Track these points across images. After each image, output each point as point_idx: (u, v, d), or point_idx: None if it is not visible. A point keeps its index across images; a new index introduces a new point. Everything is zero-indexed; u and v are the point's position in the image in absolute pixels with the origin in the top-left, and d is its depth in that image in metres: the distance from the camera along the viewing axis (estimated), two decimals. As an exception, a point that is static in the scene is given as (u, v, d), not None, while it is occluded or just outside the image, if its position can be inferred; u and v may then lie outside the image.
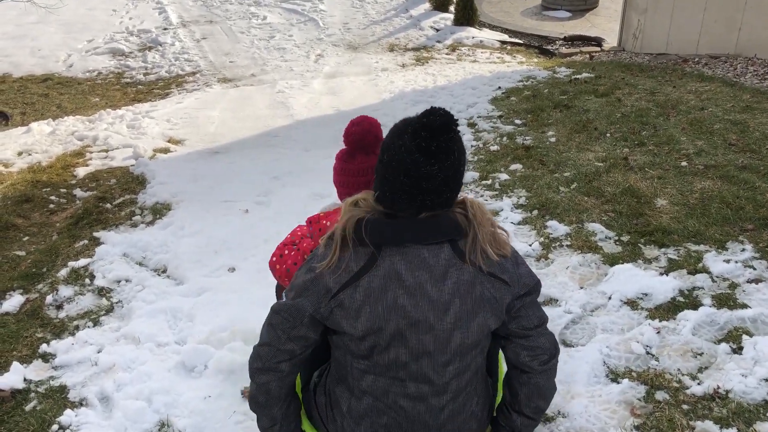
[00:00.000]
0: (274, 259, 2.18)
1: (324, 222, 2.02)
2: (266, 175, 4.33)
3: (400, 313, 1.61)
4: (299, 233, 2.21)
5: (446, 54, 10.19)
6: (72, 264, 3.44)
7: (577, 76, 6.77)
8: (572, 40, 10.84)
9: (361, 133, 2.10)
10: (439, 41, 10.85)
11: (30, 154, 5.18)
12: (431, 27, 11.50)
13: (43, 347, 2.85)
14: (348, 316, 1.62)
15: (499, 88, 6.52)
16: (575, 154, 4.38)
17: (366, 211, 1.62)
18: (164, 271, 3.37)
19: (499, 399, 1.93)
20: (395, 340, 1.65)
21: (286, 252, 2.20)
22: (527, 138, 4.79)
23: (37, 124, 6.14)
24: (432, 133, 1.55)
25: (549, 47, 10.62)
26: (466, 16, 11.27)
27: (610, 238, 3.35)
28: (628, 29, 9.67)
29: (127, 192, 4.28)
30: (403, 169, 1.56)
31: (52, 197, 4.30)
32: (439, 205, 1.61)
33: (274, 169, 4.45)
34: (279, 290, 2.36)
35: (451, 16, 11.63)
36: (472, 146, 4.77)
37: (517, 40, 10.95)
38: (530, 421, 1.87)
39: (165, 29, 11.93)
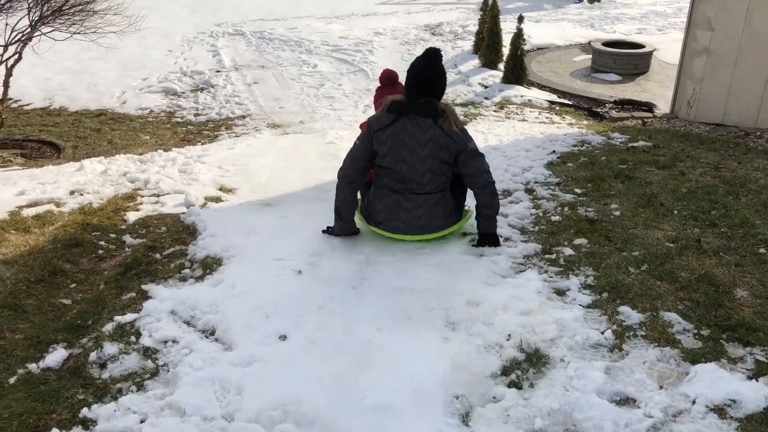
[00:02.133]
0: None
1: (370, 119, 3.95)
2: (319, 234, 4.16)
3: (403, 143, 3.71)
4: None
5: (494, 111, 10.06)
6: (118, 318, 3.28)
7: (634, 144, 6.54)
8: (622, 104, 10.64)
9: (387, 76, 4.71)
10: (487, 98, 10.75)
11: (82, 194, 5.10)
12: (480, 84, 11.41)
13: (84, 411, 2.67)
14: (379, 142, 3.74)
15: (554, 152, 6.32)
16: (643, 232, 4.13)
17: (395, 99, 3.74)
18: (212, 333, 3.18)
19: (462, 222, 4.14)
20: (399, 158, 3.74)
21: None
22: (590, 209, 4.55)
23: (89, 161, 6.09)
24: (429, 54, 3.72)
25: (598, 110, 10.43)
26: (516, 75, 11.17)
27: (688, 331, 3.08)
28: (681, 97, 9.45)
29: (178, 242, 4.14)
30: (415, 71, 3.73)
31: (102, 242, 4.18)
32: (429, 95, 3.77)
33: (327, 224, 4.27)
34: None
35: (500, 74, 11.54)
36: (531, 214, 4.55)
37: (565, 101, 10.79)
38: (488, 220, 4.01)
39: (218, 71, 12.07)
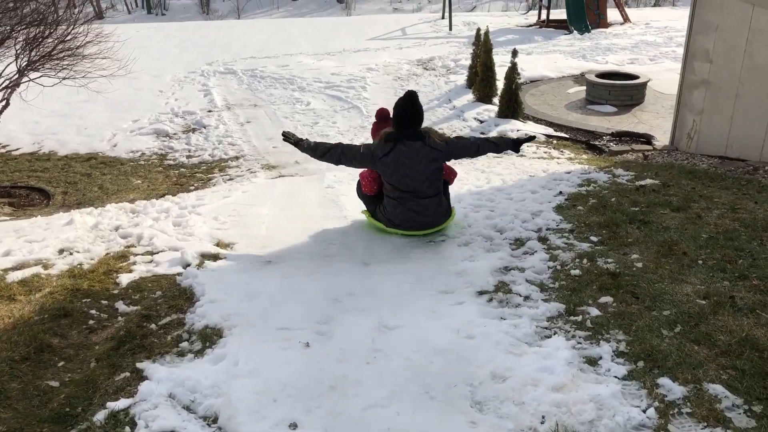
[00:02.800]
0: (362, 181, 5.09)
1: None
2: (325, 296, 3.86)
3: (403, 164, 4.64)
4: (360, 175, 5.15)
5: (492, 146, 9.86)
6: (111, 405, 2.95)
7: (642, 183, 6.31)
8: (620, 136, 10.48)
9: (381, 114, 5.50)
10: (483, 133, 10.56)
11: (71, 253, 4.78)
12: (475, 118, 11.24)
13: None
14: (384, 165, 4.67)
15: (561, 193, 6.07)
16: (670, 287, 3.86)
17: (388, 132, 4.74)
18: (215, 421, 2.86)
19: (452, 218, 5.05)
20: (402, 175, 4.65)
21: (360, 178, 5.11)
22: (609, 260, 4.28)
23: (79, 214, 5.78)
24: (409, 96, 4.76)
25: (596, 143, 10.25)
26: (511, 109, 11.00)
27: (738, 407, 2.79)
28: (681, 128, 9.28)
29: (174, 310, 3.82)
30: (400, 110, 4.72)
31: (93, 311, 3.85)
32: (413, 125, 4.73)
33: (333, 288, 3.97)
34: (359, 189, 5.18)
35: (495, 108, 11.37)
36: (549, 268, 4.27)
37: (563, 134, 10.62)
38: (505, 144, 5.11)
39: (209, 111, 11.85)
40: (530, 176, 7.27)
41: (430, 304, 3.72)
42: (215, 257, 4.56)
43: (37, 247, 4.90)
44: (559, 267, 4.25)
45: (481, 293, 3.90)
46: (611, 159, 8.95)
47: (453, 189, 6.25)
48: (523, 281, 4.04)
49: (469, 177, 7.34)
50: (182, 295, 3.99)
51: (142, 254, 4.70)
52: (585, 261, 4.29)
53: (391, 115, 4.86)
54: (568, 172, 7.39)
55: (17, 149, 10.66)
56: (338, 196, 6.12)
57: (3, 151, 10.61)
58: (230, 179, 8.78)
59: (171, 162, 9.91)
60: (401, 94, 4.80)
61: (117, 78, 9.60)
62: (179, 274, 4.32)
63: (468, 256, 4.45)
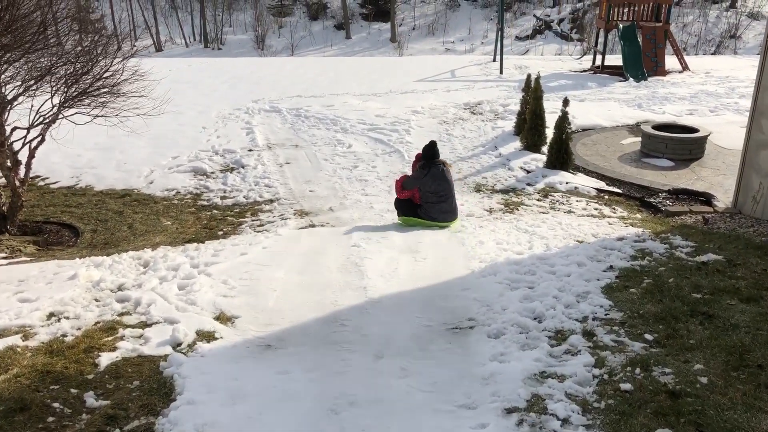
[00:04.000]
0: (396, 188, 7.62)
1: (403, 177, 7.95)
2: (322, 405, 3.17)
3: (439, 180, 7.46)
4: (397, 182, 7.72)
5: (537, 200, 9.08)
6: None
7: (703, 259, 5.46)
8: (677, 193, 9.54)
9: (420, 155, 7.82)
10: (529, 184, 9.79)
11: (59, 319, 4.25)
12: (521, 168, 10.48)
13: None
14: (426, 184, 7.43)
15: (611, 267, 5.28)
16: (744, 417, 3.04)
17: (422, 163, 7.69)
18: None
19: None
20: (441, 187, 7.44)
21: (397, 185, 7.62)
22: (667, 371, 3.48)
23: (85, 268, 5.29)
24: (433, 143, 7.86)
25: (651, 200, 9.34)
26: (560, 160, 10.20)
27: None
28: (746, 191, 8.34)
29: (145, 411, 3.20)
30: (429, 149, 7.72)
31: (56, 404, 3.27)
32: (436, 157, 7.71)
33: (334, 392, 3.28)
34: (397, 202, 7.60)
35: (543, 158, 10.59)
36: (594, 377, 3.48)
37: (615, 189, 9.74)
38: None
39: (250, 150, 11.43)
40: (578, 242, 6.48)
41: (445, 425, 3.00)
42: (210, 337, 3.95)
43: (27, 309, 4.39)
44: (606, 376, 3.47)
45: (509, 411, 3.16)
46: (668, 221, 8.06)
47: (489, 254, 5.57)
48: (563, 396, 3.28)
49: (510, 239, 6.60)
50: (160, 389, 3.38)
51: (134, 326, 4.13)
52: (638, 370, 3.50)
53: (422, 153, 7.71)
54: (621, 239, 6.58)
55: (56, 182, 10.42)
56: (362, 259, 5.47)
57: (42, 183, 10.39)
58: (260, 225, 8.24)
59: (204, 202, 9.47)
60: (444, 139, 8.53)
61: (160, 114, 9.27)
62: (165, 357, 3.72)
63: (498, 353, 3.71)
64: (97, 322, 4.17)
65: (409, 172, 8.24)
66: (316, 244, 6.21)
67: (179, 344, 3.83)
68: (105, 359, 3.71)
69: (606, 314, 4.23)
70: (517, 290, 4.65)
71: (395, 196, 7.68)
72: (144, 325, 4.14)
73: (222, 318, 4.23)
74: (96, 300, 4.57)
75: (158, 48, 39.14)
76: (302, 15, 44.12)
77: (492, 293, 4.50)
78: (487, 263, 5.24)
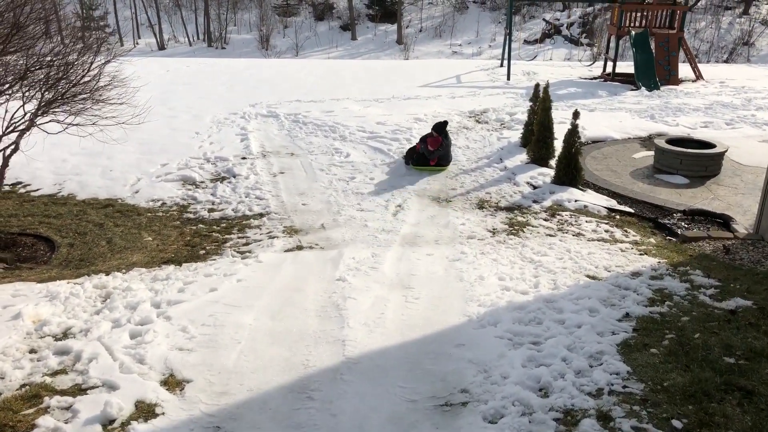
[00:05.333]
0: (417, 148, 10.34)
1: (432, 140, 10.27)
2: None
3: (448, 145, 10.31)
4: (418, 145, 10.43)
5: (544, 219, 8.35)
6: None
7: (731, 305, 4.74)
8: (693, 214, 8.78)
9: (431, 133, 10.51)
10: (536, 201, 9.06)
11: (-15, 376, 3.57)
12: (528, 183, 9.74)
13: None
14: (444, 146, 10.13)
15: (627, 315, 4.57)
16: None
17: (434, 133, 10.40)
18: None
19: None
20: (448, 149, 10.42)
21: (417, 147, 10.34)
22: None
23: (34, 306, 4.60)
24: (441, 122, 10.55)
25: (665, 221, 8.59)
26: (569, 176, 9.46)
27: None
28: (769, 216, 7.60)
29: None
30: (438, 126, 10.43)
31: None
32: (443, 130, 10.43)
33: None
34: (410, 151, 10.50)
35: (551, 172, 9.85)
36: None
37: (627, 209, 8.99)
38: None
39: (243, 158, 10.74)
40: (588, 278, 5.76)
41: None
42: (149, 413, 3.26)
43: (-50, 361, 3.71)
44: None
45: None
46: (685, 249, 7.32)
47: (489, 295, 4.85)
48: None
49: (514, 272, 5.88)
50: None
51: (65, 391, 3.44)
52: (667, 472, 2.79)
53: (438, 127, 10.34)
54: (636, 274, 5.86)
55: (37, 190, 9.77)
56: (345, 299, 4.77)
57: (23, 191, 9.73)
58: (246, 244, 7.55)
59: (191, 215, 8.78)
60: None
61: (140, 123, 8.58)
62: (92, 437, 3.03)
63: (495, 441, 3.02)
64: (24, 385, 3.49)
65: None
66: (297, 277, 5.51)
67: (111, 421, 3.14)
68: (20, 440, 3.02)
69: (624, 387, 3.51)
70: (521, 348, 3.94)
71: (414, 148, 10.41)
72: (77, 390, 3.46)
73: (170, 383, 3.53)
74: (32, 352, 3.88)
75: (161, 46, 38.42)
76: (308, 15, 43.36)
77: (491, 353, 3.79)
78: (487, 308, 4.53)
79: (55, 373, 3.65)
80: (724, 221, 8.58)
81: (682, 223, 8.59)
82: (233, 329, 4.21)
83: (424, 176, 9.99)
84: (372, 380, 3.49)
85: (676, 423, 3.18)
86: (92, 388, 3.48)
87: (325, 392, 3.42)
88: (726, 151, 10.42)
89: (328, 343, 4.01)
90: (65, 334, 4.15)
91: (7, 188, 9.64)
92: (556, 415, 3.29)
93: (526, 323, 4.35)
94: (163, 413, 3.27)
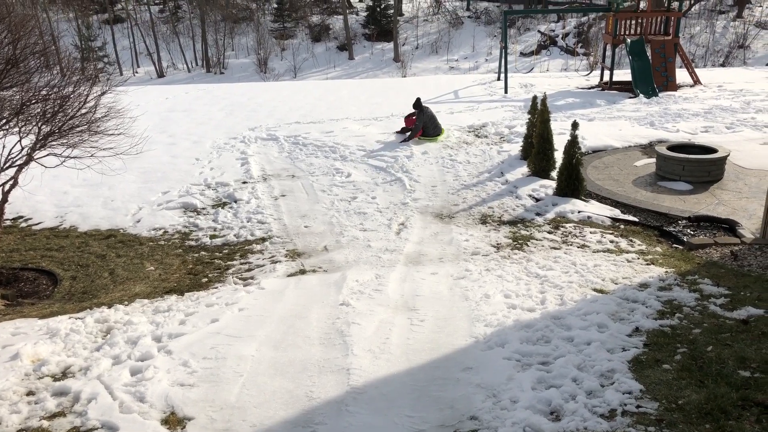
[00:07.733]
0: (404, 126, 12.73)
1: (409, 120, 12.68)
2: None
3: (430, 116, 12.35)
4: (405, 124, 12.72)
5: (548, 232, 8.23)
6: None
7: (743, 315, 4.61)
8: (698, 221, 8.65)
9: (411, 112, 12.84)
10: (539, 213, 8.94)
11: (-18, 421, 3.46)
12: (530, 196, 9.63)
13: None
14: (420, 118, 12.19)
15: (637, 330, 4.44)
16: None
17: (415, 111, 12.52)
18: None
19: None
20: (432, 119, 12.35)
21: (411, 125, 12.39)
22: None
23: (33, 345, 4.50)
24: (419, 99, 12.74)
25: (671, 229, 8.46)
26: (571, 186, 9.35)
27: None
28: (777, 220, 7.47)
29: None
30: (417, 103, 12.52)
31: None
32: (421, 107, 12.41)
33: None
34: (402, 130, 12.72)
35: (553, 184, 9.74)
36: None
37: (631, 218, 8.86)
38: None
39: (244, 183, 10.67)
40: (596, 291, 5.64)
41: None
42: (151, 452, 3.15)
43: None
44: None
45: None
46: (692, 257, 7.18)
47: (495, 314, 4.71)
48: None
49: (520, 288, 5.76)
50: None
51: (65, 432, 3.33)
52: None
53: (414, 105, 12.40)
54: (644, 285, 5.73)
55: (39, 223, 9.70)
56: (349, 325, 4.65)
57: (24, 225, 9.67)
58: (248, 270, 7.46)
59: (192, 242, 8.70)
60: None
61: (138, 153, 8.54)
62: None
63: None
64: (21, 430, 3.37)
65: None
66: (300, 303, 5.40)
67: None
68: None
69: (638, 407, 3.38)
70: (529, 369, 3.81)
71: (405, 127, 12.64)
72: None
73: (171, 421, 3.42)
74: (29, 394, 3.77)
75: (160, 74, 38.62)
76: (305, 37, 43.56)
77: (499, 376, 3.66)
78: (494, 328, 4.41)
79: (53, 416, 3.54)
80: (729, 226, 8.45)
81: (688, 230, 8.47)
82: (235, 362, 4.10)
83: (424, 188, 9.91)
84: (378, 410, 3.37)
85: (695, 445, 3.06)
86: (91, 430, 3.37)
87: (330, 425, 3.30)
88: (728, 155, 10.30)
89: (333, 372, 3.89)
90: (64, 374, 4.04)
91: (8, 223, 9.58)
92: (572, 442, 3.16)
93: (534, 342, 4.23)
94: (162, 456, 3.16)
